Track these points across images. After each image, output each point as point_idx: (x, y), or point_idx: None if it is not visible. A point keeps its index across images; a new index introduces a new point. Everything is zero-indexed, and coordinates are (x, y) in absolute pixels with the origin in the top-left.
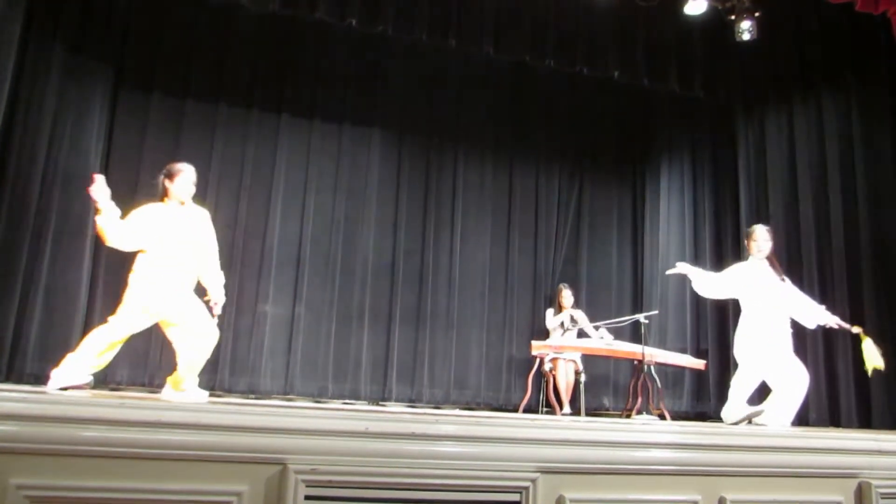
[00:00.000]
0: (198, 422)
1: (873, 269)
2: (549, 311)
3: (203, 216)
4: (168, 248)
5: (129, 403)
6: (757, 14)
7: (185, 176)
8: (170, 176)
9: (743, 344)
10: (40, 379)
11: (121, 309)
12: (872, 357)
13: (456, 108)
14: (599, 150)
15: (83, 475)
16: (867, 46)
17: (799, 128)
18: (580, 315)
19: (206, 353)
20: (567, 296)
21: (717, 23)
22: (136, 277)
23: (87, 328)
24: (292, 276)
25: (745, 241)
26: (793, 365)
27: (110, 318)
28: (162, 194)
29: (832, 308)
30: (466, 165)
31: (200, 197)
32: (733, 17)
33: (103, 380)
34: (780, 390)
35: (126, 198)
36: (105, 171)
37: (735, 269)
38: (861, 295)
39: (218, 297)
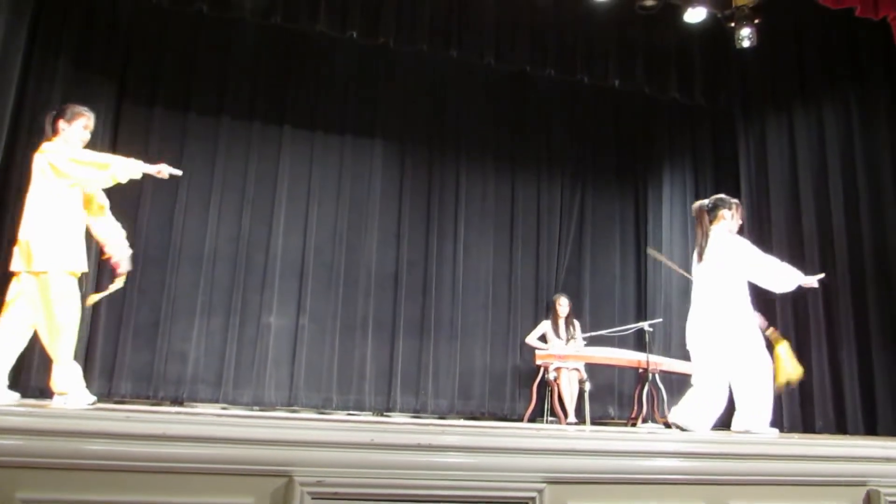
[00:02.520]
0: (203, 434)
1: (876, 274)
2: (546, 323)
3: None
4: (74, 191)
5: (135, 417)
6: (757, 21)
7: (85, 121)
8: (66, 116)
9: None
10: (45, 393)
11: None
12: (787, 367)
13: (457, 118)
14: (600, 158)
15: (88, 489)
16: (867, 52)
17: (799, 133)
18: (577, 327)
19: None
20: (563, 304)
21: (717, 30)
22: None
23: (90, 340)
24: (296, 287)
25: (730, 211)
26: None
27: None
28: (51, 135)
29: (838, 314)
30: (468, 175)
31: (203, 209)
32: (733, 25)
33: (107, 393)
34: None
35: (130, 210)
36: None
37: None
38: (865, 300)
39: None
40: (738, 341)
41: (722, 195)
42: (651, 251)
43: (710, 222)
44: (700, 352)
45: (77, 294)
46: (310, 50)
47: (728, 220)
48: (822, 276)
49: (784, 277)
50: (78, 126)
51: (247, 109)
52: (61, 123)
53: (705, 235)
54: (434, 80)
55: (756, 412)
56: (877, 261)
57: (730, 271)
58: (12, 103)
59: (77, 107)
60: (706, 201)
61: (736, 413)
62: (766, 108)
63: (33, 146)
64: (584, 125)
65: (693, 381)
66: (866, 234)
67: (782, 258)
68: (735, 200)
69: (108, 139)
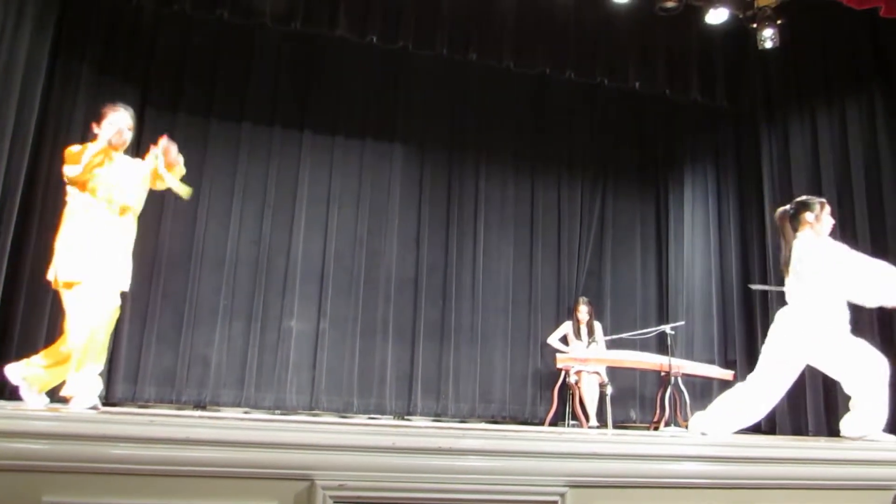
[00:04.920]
0: (226, 438)
1: None
2: (568, 324)
3: (139, 167)
4: (103, 196)
5: (159, 421)
6: (779, 21)
7: (112, 118)
8: (98, 119)
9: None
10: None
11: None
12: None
13: (477, 121)
14: (621, 160)
15: (113, 493)
16: (891, 51)
17: (823, 134)
18: (598, 329)
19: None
20: (582, 311)
21: (739, 31)
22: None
23: (114, 345)
24: (316, 291)
25: (813, 213)
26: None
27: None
28: (92, 139)
29: (861, 317)
30: (488, 179)
31: (225, 214)
32: (755, 26)
33: (131, 397)
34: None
35: (153, 216)
36: None
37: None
38: None
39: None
40: (848, 348)
41: (804, 198)
42: (753, 286)
43: (795, 230)
44: (778, 357)
45: (81, 302)
46: (330, 54)
47: (812, 223)
48: None
49: (885, 288)
50: (106, 125)
51: (268, 114)
52: (95, 128)
53: (788, 246)
54: (453, 84)
55: (872, 417)
56: None
57: (824, 278)
58: (37, 109)
59: (107, 105)
60: (788, 207)
61: (847, 417)
62: (789, 108)
63: (58, 152)
64: (604, 127)
65: (742, 383)
66: (891, 234)
67: None
68: (820, 200)
69: (131, 145)
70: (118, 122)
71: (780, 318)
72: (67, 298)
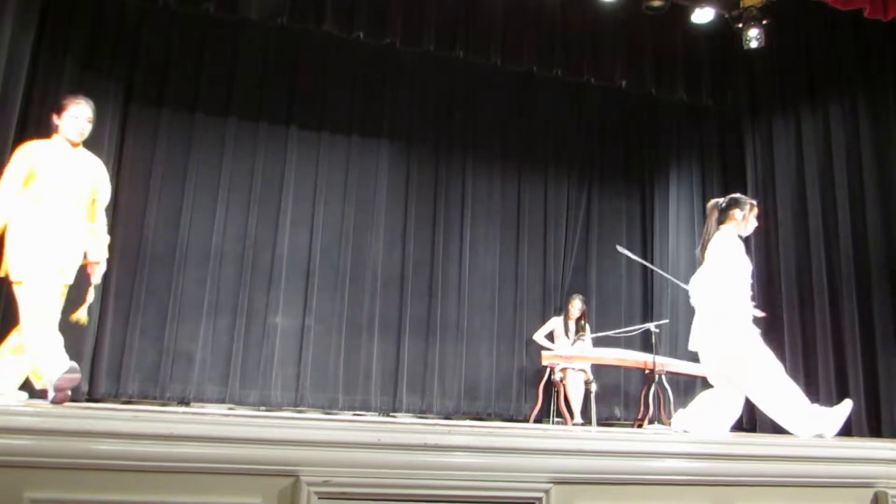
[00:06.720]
0: (210, 434)
1: (882, 276)
2: (556, 320)
3: (96, 164)
4: (53, 189)
5: (142, 416)
6: (764, 22)
7: (73, 110)
8: (58, 110)
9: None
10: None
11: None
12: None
13: (464, 118)
14: (607, 159)
15: (97, 489)
16: (875, 52)
17: (807, 134)
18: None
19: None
20: (576, 306)
21: (725, 31)
22: (22, 228)
23: (98, 341)
24: (302, 287)
25: (742, 211)
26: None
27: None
28: (52, 131)
29: (843, 316)
30: (475, 176)
31: (210, 209)
32: (741, 26)
33: (114, 393)
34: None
35: (137, 210)
36: (116, 184)
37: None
38: (871, 302)
39: (98, 255)
40: (736, 349)
41: (738, 195)
42: (620, 248)
43: (721, 222)
44: (702, 358)
45: (29, 300)
46: (316, 50)
47: (738, 221)
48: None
49: (719, 306)
50: (67, 117)
51: (254, 110)
52: (55, 119)
53: (708, 235)
54: (440, 81)
55: (799, 418)
56: (883, 262)
57: (728, 271)
58: (20, 104)
59: (67, 97)
60: (721, 200)
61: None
62: (774, 108)
63: None
64: (591, 125)
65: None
66: (872, 235)
67: (789, 257)
68: (751, 202)
69: (115, 140)
70: (80, 114)
71: (698, 313)
72: (17, 293)
